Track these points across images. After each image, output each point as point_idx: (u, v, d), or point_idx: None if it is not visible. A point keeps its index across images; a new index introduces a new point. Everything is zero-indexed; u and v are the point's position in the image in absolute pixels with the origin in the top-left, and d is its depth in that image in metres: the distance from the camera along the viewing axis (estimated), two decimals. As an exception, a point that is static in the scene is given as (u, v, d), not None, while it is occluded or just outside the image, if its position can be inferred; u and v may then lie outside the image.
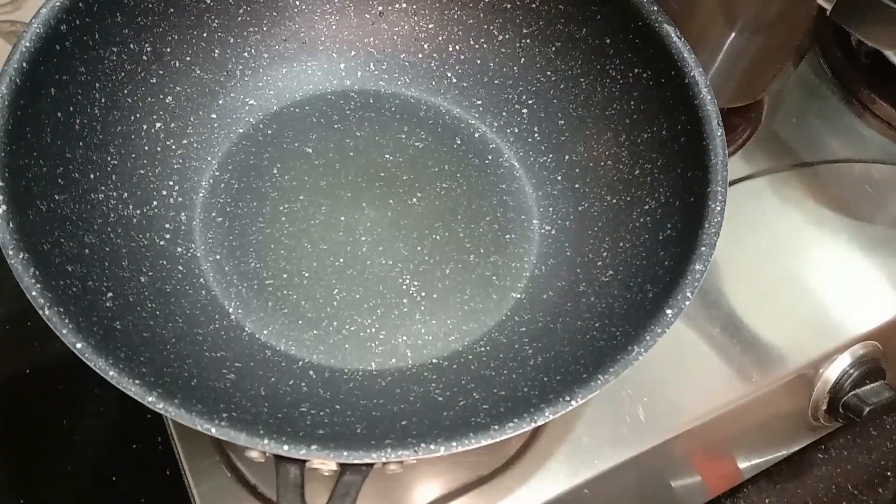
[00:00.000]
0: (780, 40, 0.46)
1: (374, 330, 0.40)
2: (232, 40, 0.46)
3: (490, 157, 0.47)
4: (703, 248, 0.35)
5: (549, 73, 0.46)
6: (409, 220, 0.44)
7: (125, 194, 0.40)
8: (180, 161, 0.43)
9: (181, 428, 0.38)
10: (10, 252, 0.30)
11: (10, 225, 0.31)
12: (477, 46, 0.48)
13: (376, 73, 0.49)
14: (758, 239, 0.49)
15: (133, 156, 0.41)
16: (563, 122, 0.46)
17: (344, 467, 0.30)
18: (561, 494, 0.40)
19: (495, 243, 0.44)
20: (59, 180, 0.36)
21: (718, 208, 0.36)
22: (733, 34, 0.45)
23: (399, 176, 0.45)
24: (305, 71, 0.48)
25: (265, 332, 0.39)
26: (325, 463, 0.29)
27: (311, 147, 0.46)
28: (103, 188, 0.39)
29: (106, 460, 0.49)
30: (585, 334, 0.37)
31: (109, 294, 0.35)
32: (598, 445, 0.41)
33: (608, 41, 0.43)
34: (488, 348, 0.40)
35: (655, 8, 0.41)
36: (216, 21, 0.45)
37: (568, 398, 0.31)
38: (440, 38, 0.48)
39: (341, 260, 0.42)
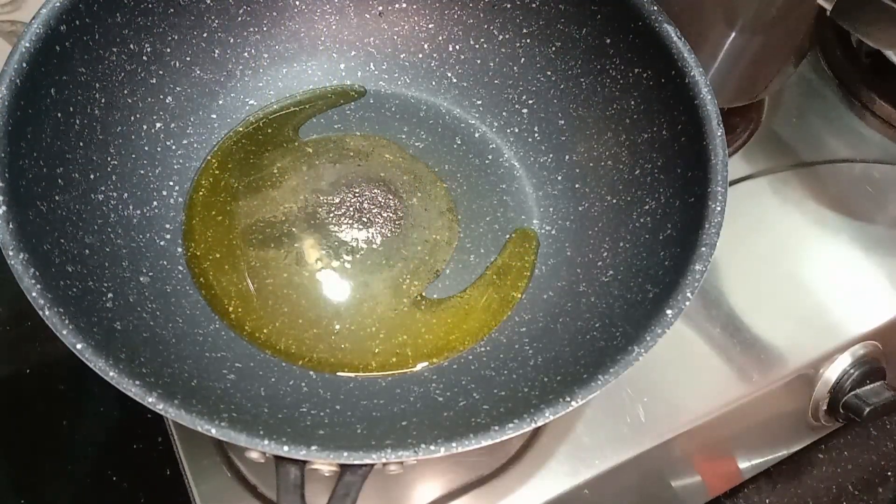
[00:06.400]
0: (780, 40, 0.46)
1: (374, 329, 0.40)
2: (232, 40, 0.46)
3: (490, 157, 0.47)
4: (703, 249, 0.35)
5: (549, 73, 0.46)
6: (410, 220, 0.44)
7: (125, 195, 0.40)
8: (180, 161, 0.43)
9: (181, 428, 0.38)
10: (10, 252, 0.30)
11: (10, 225, 0.31)
12: (477, 46, 0.48)
13: (376, 73, 0.49)
14: (758, 239, 0.49)
15: (133, 156, 0.41)
16: (563, 122, 0.46)
17: (344, 468, 0.30)
18: (561, 494, 0.40)
19: (495, 243, 0.44)
20: (59, 180, 0.36)
21: (718, 208, 0.36)
22: (733, 34, 0.45)
23: (399, 176, 0.45)
24: (305, 71, 0.48)
25: (265, 331, 0.39)
26: (325, 463, 0.29)
27: (312, 147, 0.46)
28: (103, 188, 0.39)
29: (106, 460, 0.49)
30: (585, 334, 0.37)
31: (110, 294, 0.35)
32: (598, 445, 0.41)
33: (608, 41, 0.43)
34: (488, 348, 0.40)
35: (655, 8, 0.41)
36: (216, 21, 0.45)
37: (568, 398, 0.31)
38: (440, 38, 0.48)
39: (341, 259, 0.42)
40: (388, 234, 0.43)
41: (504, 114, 0.48)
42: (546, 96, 0.46)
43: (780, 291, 0.47)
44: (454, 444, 0.29)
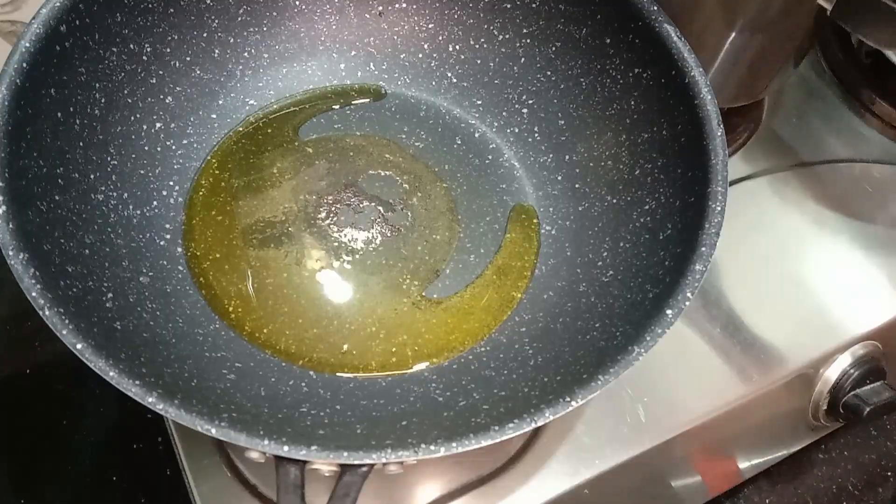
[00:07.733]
0: (780, 40, 0.46)
1: (374, 329, 0.40)
2: (232, 40, 0.46)
3: (490, 157, 0.47)
4: (703, 249, 0.35)
5: (549, 73, 0.46)
6: (410, 220, 0.44)
7: (125, 194, 0.40)
8: (180, 161, 0.43)
9: (181, 428, 0.38)
10: (10, 252, 0.30)
11: (10, 225, 0.31)
12: (477, 46, 0.48)
13: (376, 73, 0.49)
14: (758, 239, 0.49)
15: (133, 156, 0.41)
16: (563, 122, 0.46)
17: (344, 468, 0.30)
18: (561, 494, 0.40)
19: (495, 243, 0.44)
20: (59, 180, 0.36)
21: (718, 208, 0.36)
22: (733, 34, 0.45)
23: (399, 176, 0.45)
24: (305, 71, 0.48)
25: (265, 331, 0.39)
26: (325, 463, 0.29)
27: (312, 147, 0.46)
28: (103, 188, 0.39)
29: (106, 460, 0.49)
30: (585, 334, 0.37)
31: (110, 294, 0.35)
32: (598, 445, 0.41)
33: (608, 41, 0.43)
34: (488, 348, 0.40)
35: (655, 8, 0.41)
36: (216, 21, 0.45)
37: (568, 399, 0.31)
38: (440, 38, 0.48)
39: (341, 259, 0.42)
40: (388, 234, 0.43)
41: (504, 114, 0.48)
42: (546, 96, 0.46)
43: (780, 291, 0.47)
44: (454, 444, 0.29)
